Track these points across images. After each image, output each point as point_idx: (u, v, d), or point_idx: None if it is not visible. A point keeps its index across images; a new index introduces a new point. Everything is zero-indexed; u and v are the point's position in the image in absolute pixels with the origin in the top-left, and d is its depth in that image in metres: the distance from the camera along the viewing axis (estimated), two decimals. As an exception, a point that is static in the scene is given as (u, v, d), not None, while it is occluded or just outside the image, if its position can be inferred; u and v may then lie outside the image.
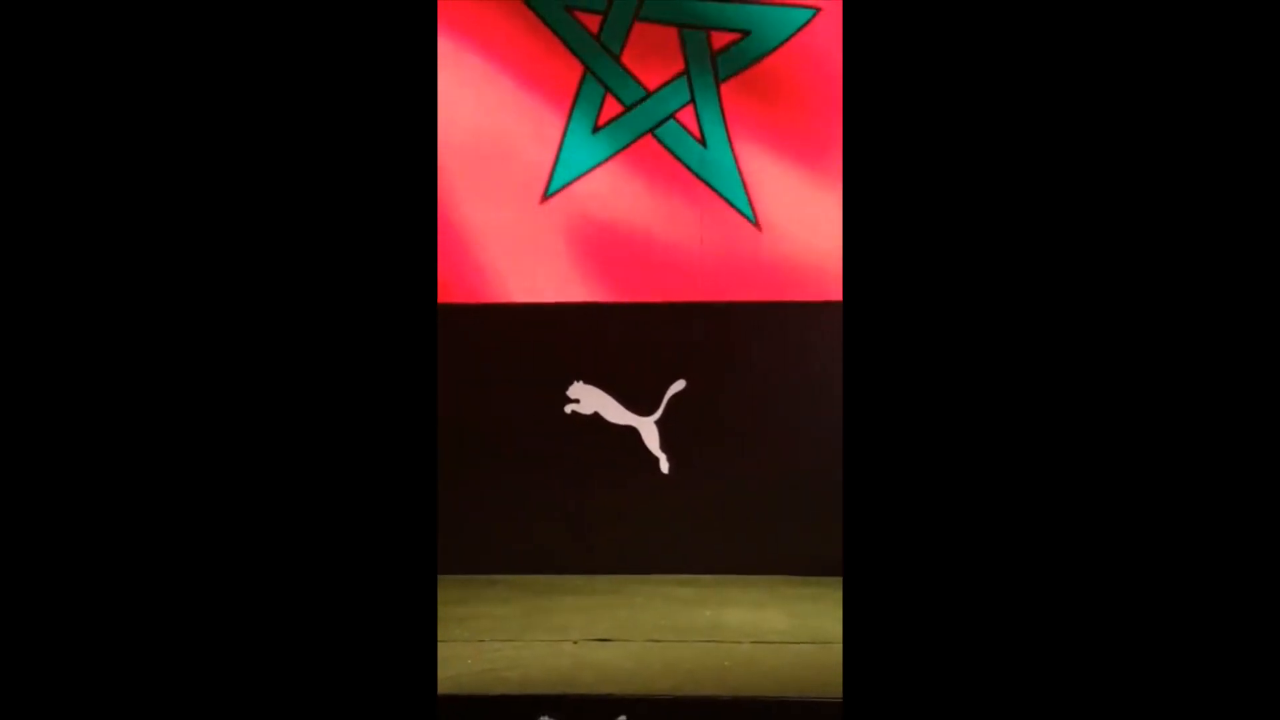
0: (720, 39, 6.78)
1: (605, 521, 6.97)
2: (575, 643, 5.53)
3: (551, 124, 6.82)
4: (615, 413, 6.86)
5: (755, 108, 6.79)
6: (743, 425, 6.97)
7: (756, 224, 6.78)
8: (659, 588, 6.64)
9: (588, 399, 6.83)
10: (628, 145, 6.82)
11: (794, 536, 6.92)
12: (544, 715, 4.62)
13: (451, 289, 6.67)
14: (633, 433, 6.85)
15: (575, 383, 6.83)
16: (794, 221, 6.79)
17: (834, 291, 6.51)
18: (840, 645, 5.35)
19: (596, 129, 6.83)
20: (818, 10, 6.72)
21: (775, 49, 6.77)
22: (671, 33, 6.81)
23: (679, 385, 6.83)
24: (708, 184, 6.81)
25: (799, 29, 6.75)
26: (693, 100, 6.80)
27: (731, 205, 6.80)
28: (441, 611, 3.65)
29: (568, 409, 6.82)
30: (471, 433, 6.70)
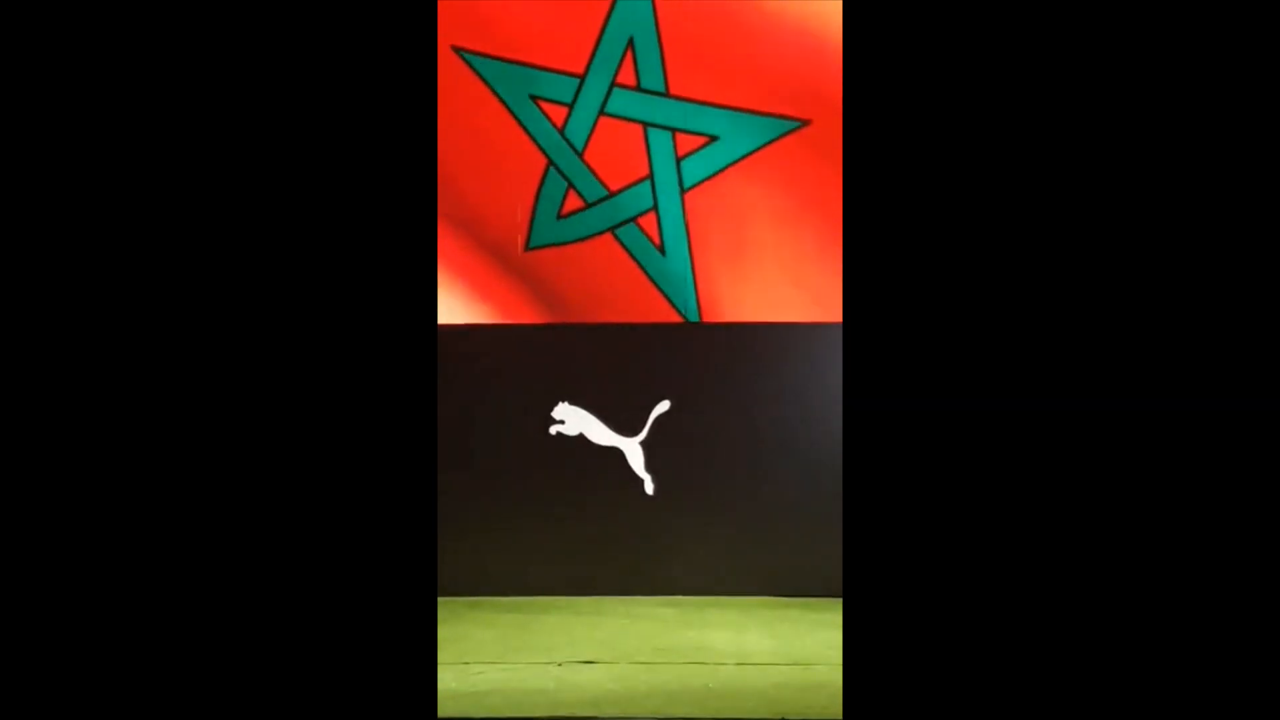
0: (686, 143, 6.70)
1: (589, 543, 6.96)
2: (559, 665, 5.52)
3: (519, 202, 6.77)
4: (600, 434, 6.84)
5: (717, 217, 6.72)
6: (728, 448, 6.97)
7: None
8: (642, 609, 6.63)
9: (573, 420, 6.82)
10: (588, 238, 6.78)
11: (775, 558, 6.92)
12: (527, 738, 4.61)
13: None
14: (616, 454, 6.84)
15: (560, 404, 6.82)
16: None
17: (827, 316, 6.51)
18: (822, 666, 5.46)
19: (561, 216, 6.77)
20: (806, 123, 6.61)
21: (742, 158, 6.67)
22: (637, 131, 6.72)
23: (664, 406, 6.82)
24: (661, 291, 6.76)
25: (772, 140, 6.65)
26: (655, 207, 6.75)
27: (675, 308, 6.76)
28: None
29: (553, 430, 6.81)
30: (449, 454, 6.67)
